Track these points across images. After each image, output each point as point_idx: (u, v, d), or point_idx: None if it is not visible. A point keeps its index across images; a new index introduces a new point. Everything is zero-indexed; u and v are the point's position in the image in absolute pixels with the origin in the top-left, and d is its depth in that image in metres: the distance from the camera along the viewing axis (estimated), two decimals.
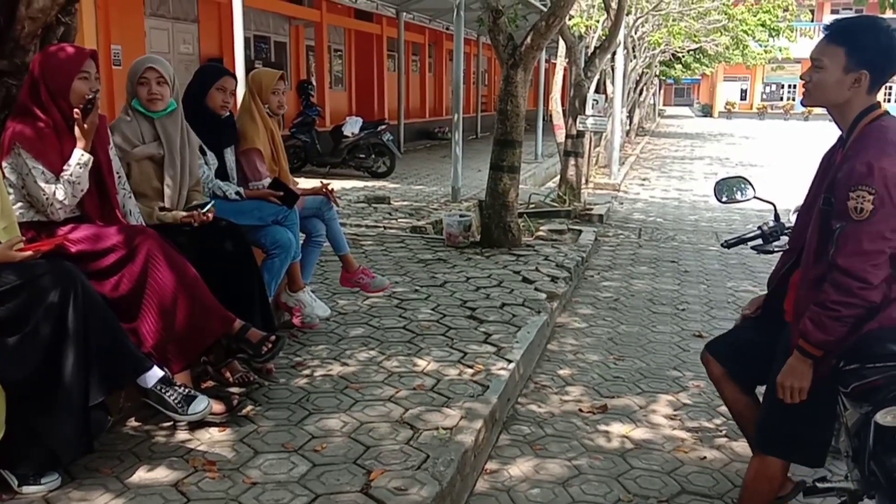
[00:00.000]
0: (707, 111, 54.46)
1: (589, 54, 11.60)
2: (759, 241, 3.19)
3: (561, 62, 12.67)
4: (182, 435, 3.06)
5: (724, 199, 3.33)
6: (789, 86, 51.02)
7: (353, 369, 3.88)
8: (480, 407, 3.46)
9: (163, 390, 2.92)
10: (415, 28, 20.26)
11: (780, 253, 2.80)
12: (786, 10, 19.13)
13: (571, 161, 10.54)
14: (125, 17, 10.68)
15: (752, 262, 7.40)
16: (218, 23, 12.76)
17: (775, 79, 51.18)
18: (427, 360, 4.06)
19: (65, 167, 2.95)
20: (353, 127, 12.73)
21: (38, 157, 2.93)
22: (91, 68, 3.04)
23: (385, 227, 8.01)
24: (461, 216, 7.32)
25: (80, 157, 2.97)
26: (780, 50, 22.08)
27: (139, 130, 3.50)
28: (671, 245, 8.64)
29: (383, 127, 12.90)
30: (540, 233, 8.07)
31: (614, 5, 10.38)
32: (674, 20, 17.76)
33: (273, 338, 3.30)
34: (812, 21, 42.32)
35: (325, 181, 4.79)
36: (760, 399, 2.71)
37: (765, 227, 3.17)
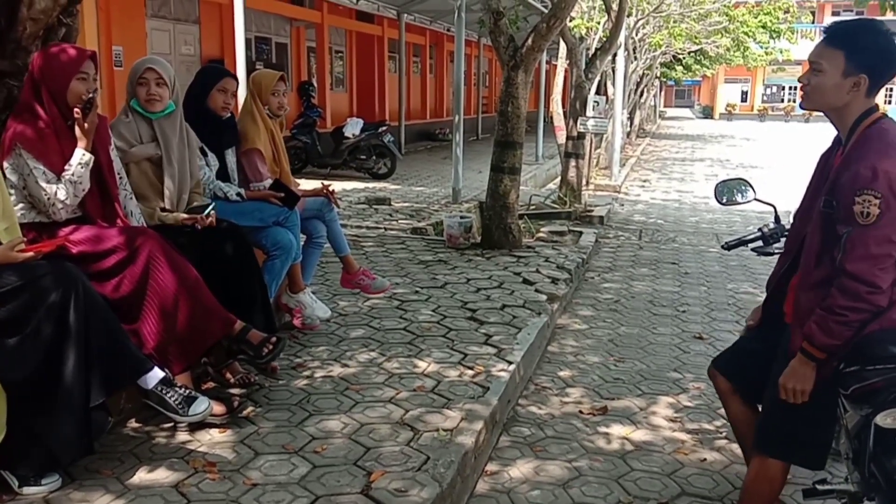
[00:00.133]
0: (708, 113, 54.47)
1: (590, 56, 11.62)
2: (760, 243, 3.19)
3: (562, 64, 12.68)
4: (182, 436, 3.06)
5: (724, 200, 3.33)
6: (790, 88, 51.02)
7: (353, 370, 3.89)
8: (481, 408, 3.46)
9: (163, 391, 2.92)
10: (416, 29, 20.28)
11: (778, 255, 2.80)
12: (786, 11, 19.15)
13: (572, 162, 10.54)
14: (126, 18, 10.69)
15: (752, 263, 7.40)
16: (219, 24, 12.77)
17: (776, 80, 51.22)
18: (427, 361, 4.06)
19: (66, 167, 2.96)
20: (353, 128, 12.73)
21: (38, 158, 2.93)
22: (90, 69, 3.04)
23: (386, 229, 8.01)
24: (462, 217, 7.32)
25: (81, 156, 2.98)
26: (781, 52, 22.11)
27: (137, 131, 3.51)
28: (672, 247, 8.64)
29: (384, 128, 12.90)
30: (540, 234, 8.07)
31: (615, 7, 10.39)
32: (675, 22, 17.78)
33: (274, 339, 3.30)
34: (813, 23, 42.33)
35: (325, 182, 4.80)
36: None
37: (765, 229, 3.17)
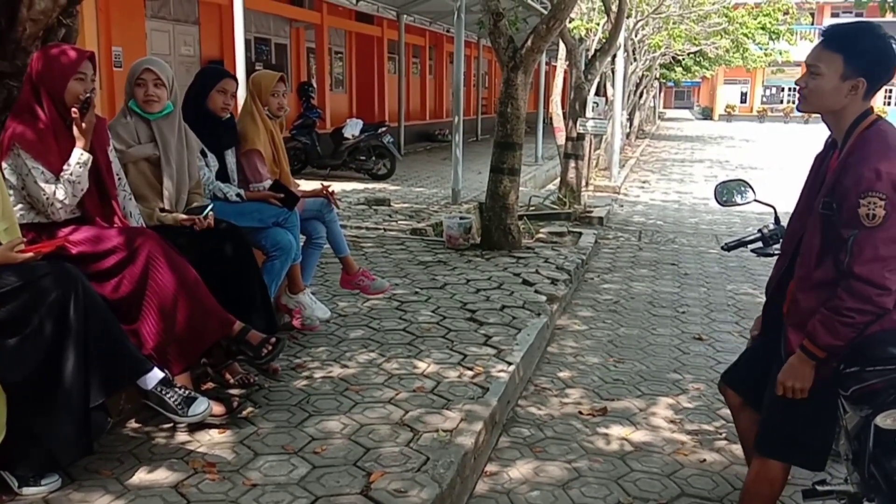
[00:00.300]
0: (707, 114, 54.50)
1: (589, 57, 11.62)
2: (760, 244, 3.18)
3: (561, 65, 12.69)
4: (182, 436, 3.06)
5: (724, 201, 3.32)
6: (789, 89, 51.02)
7: (353, 371, 3.89)
8: (480, 409, 3.46)
9: (163, 392, 2.92)
10: (415, 30, 20.29)
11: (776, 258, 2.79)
12: (786, 13, 19.16)
13: (571, 163, 10.54)
14: (126, 19, 10.69)
15: (752, 265, 7.40)
16: (219, 25, 12.78)
17: (775, 82, 51.24)
18: (427, 362, 4.06)
19: (64, 167, 2.96)
20: (353, 129, 12.74)
21: (37, 158, 2.93)
22: (88, 69, 3.04)
23: (385, 230, 8.01)
24: (461, 218, 7.33)
25: (79, 156, 2.98)
26: (781, 53, 22.12)
27: (135, 131, 3.51)
28: (671, 248, 8.64)
29: (384, 129, 12.91)
30: (540, 235, 8.08)
31: (615, 8, 10.40)
32: (674, 23, 17.79)
33: (273, 340, 3.30)
34: (812, 24, 42.31)
35: (325, 183, 4.80)
36: None
37: (765, 230, 3.17)
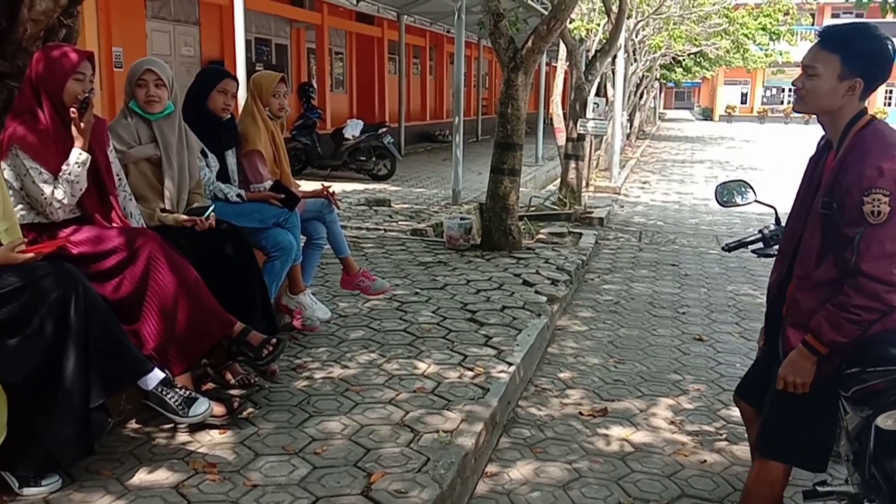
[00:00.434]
0: (707, 115, 54.51)
1: (590, 58, 11.62)
2: (760, 245, 3.18)
3: (562, 65, 12.69)
4: (182, 437, 3.06)
5: (724, 202, 3.33)
6: (790, 89, 50.08)
7: (353, 372, 3.89)
8: (481, 410, 3.46)
9: (163, 392, 2.92)
10: (416, 31, 20.29)
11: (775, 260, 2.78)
12: (786, 13, 19.16)
13: (572, 164, 10.54)
14: (127, 20, 10.69)
15: (752, 265, 7.40)
16: (219, 25, 12.78)
17: (776, 82, 51.21)
18: (427, 362, 4.06)
19: (63, 166, 2.96)
20: (353, 129, 12.74)
21: (35, 158, 2.94)
22: (87, 69, 3.05)
23: (385, 230, 8.01)
24: (462, 219, 7.33)
25: (77, 155, 2.98)
26: (781, 53, 22.12)
27: (136, 132, 3.51)
28: (671, 248, 8.64)
29: (384, 130, 12.91)
30: (540, 236, 8.08)
31: (615, 9, 10.40)
32: (674, 24, 17.79)
33: (274, 340, 3.30)
34: (812, 25, 42.29)
35: (326, 184, 4.80)
36: None
37: (765, 231, 3.17)
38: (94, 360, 2.65)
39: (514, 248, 6.99)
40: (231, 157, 4.21)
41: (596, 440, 3.59)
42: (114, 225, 3.15)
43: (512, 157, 6.93)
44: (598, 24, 13.08)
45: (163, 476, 2.77)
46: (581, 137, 10.66)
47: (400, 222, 8.55)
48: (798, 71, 2.41)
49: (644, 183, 15.94)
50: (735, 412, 3.91)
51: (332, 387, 3.68)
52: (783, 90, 52.31)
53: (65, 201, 2.97)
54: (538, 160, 16.47)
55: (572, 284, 6.19)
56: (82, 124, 2.98)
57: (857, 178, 2.21)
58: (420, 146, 19.50)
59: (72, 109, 2.97)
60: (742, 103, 54.60)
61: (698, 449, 3.55)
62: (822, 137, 2.48)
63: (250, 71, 8.61)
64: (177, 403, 2.93)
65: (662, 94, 48.95)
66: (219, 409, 3.16)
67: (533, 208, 9.90)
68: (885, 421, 2.20)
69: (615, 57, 12.77)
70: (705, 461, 3.43)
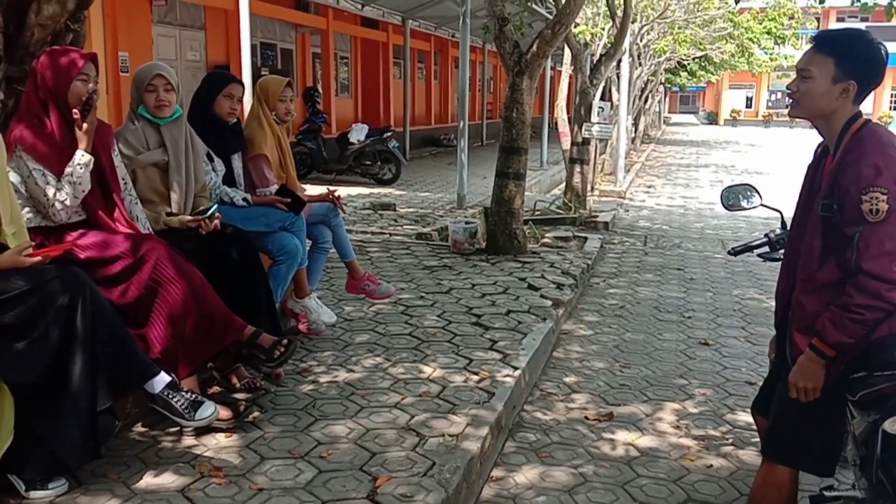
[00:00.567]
0: (712, 119, 54.46)
1: (594, 62, 11.63)
2: (766, 249, 3.18)
3: (566, 70, 12.72)
4: (189, 440, 3.07)
5: (730, 206, 3.32)
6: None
7: (358, 376, 3.89)
8: (486, 414, 3.46)
9: (170, 396, 2.92)
10: (420, 35, 20.33)
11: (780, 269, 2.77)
12: (791, 17, 19.16)
13: (577, 168, 10.54)
14: (133, 25, 10.74)
15: (758, 269, 7.39)
16: (225, 30, 12.82)
17: (781, 86, 51.07)
18: (433, 366, 4.06)
19: (66, 168, 2.98)
20: (358, 134, 12.75)
21: (38, 159, 2.96)
22: (90, 70, 3.07)
23: (391, 234, 8.01)
24: (467, 223, 7.33)
25: (80, 157, 3.00)
26: (786, 57, 22.14)
27: (144, 137, 3.53)
28: (677, 252, 8.63)
29: (389, 134, 12.92)
30: (545, 240, 8.07)
31: (620, 13, 10.41)
32: (679, 28, 17.80)
33: (285, 342, 3.31)
34: (817, 28, 42.24)
35: (331, 188, 4.81)
36: None
37: (771, 235, 3.16)
38: (101, 364, 2.66)
39: (519, 252, 6.99)
40: (237, 161, 4.22)
41: (602, 445, 3.58)
42: (118, 226, 3.16)
43: (517, 162, 6.93)
44: (603, 29, 13.09)
45: (169, 480, 2.78)
46: (586, 141, 10.66)
47: (405, 226, 8.56)
48: None
49: (649, 187, 15.93)
50: (741, 417, 3.92)
51: (337, 391, 3.68)
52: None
53: (67, 202, 2.98)
54: (543, 164, 16.47)
55: (577, 288, 6.18)
56: (86, 125, 3.00)
57: (856, 177, 2.22)
58: (425, 150, 19.52)
59: (74, 111, 2.98)
60: (747, 107, 54.54)
61: (704, 453, 3.54)
62: (820, 144, 2.51)
63: (256, 75, 8.64)
64: (183, 407, 2.93)
65: (667, 99, 48.95)
66: (225, 412, 3.16)
67: (538, 212, 9.90)
68: (893, 425, 2.19)
69: (620, 61, 12.76)
70: (711, 465, 3.42)
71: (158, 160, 3.54)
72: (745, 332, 5.47)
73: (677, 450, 3.56)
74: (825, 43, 2.34)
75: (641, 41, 16.83)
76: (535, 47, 6.73)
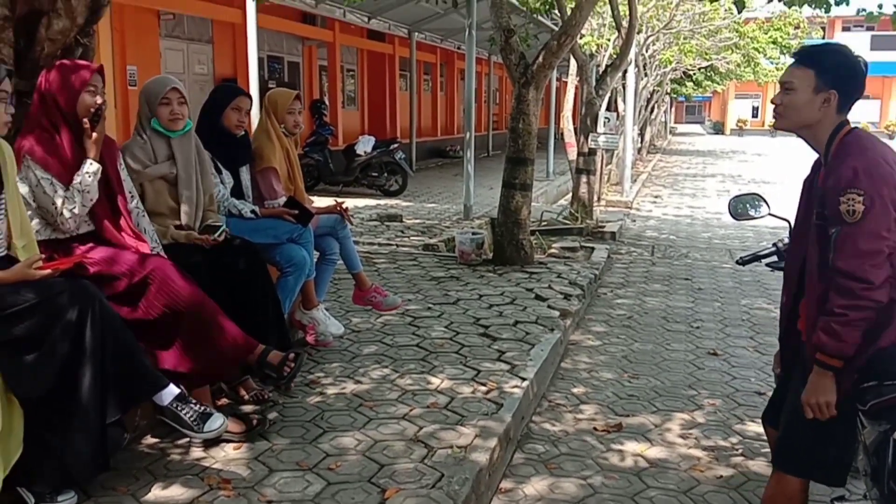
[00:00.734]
0: (719, 128, 54.42)
1: (600, 72, 11.64)
2: (774, 259, 3.18)
3: (572, 80, 12.73)
4: (197, 453, 3.07)
5: (738, 215, 3.32)
6: None
7: (366, 387, 3.89)
8: (495, 425, 3.45)
9: (178, 408, 2.92)
10: (426, 48, 20.40)
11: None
12: (797, 27, 19.19)
13: (583, 179, 10.55)
14: (141, 38, 10.82)
15: (766, 279, 7.37)
16: (232, 43, 12.90)
17: None
18: (441, 377, 4.06)
19: (75, 176, 3.00)
20: (365, 146, 12.79)
21: (47, 169, 2.98)
22: (98, 82, 3.10)
23: (398, 245, 8.02)
24: (473, 234, 7.34)
25: (89, 165, 3.02)
26: None
27: (152, 151, 3.55)
28: (684, 262, 8.62)
29: (395, 146, 12.95)
30: (552, 250, 8.07)
31: (625, 24, 10.43)
32: (685, 38, 17.83)
33: (292, 355, 3.30)
34: (823, 38, 42.26)
35: (339, 200, 4.82)
36: None
37: (779, 244, 3.16)
38: (111, 376, 2.66)
39: (526, 262, 6.98)
40: (245, 174, 4.24)
41: (610, 456, 3.57)
42: (125, 237, 3.16)
43: (523, 172, 6.94)
44: (609, 40, 13.12)
45: (178, 492, 2.78)
46: (592, 152, 10.67)
47: (412, 237, 8.57)
48: None
49: (656, 197, 15.92)
50: (750, 427, 3.90)
51: (345, 402, 3.68)
52: None
53: (76, 211, 3.00)
54: (549, 175, 16.48)
55: (585, 299, 6.17)
56: (95, 135, 3.03)
57: (836, 180, 2.29)
58: (431, 162, 19.56)
59: (84, 121, 3.01)
60: (753, 117, 54.49)
61: (714, 464, 3.52)
62: (817, 159, 2.52)
63: (263, 88, 8.70)
64: (192, 419, 2.93)
65: (673, 109, 48.95)
66: (236, 426, 3.16)
67: (545, 223, 9.90)
68: None
69: (626, 72, 12.80)
70: (721, 476, 3.40)
71: (166, 173, 3.56)
72: (754, 342, 5.45)
73: (687, 461, 3.55)
74: (805, 56, 2.43)
75: (647, 52, 16.86)
76: (541, 58, 6.75)
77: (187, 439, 3.08)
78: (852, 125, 2.41)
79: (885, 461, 2.23)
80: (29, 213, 2.95)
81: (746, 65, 23.03)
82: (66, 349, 2.58)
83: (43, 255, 2.78)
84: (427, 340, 4.70)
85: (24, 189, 2.96)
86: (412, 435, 3.33)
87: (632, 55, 11.60)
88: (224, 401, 3.58)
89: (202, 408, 2.97)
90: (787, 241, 3.15)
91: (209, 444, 3.09)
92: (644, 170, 21.06)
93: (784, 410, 2.54)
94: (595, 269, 7.11)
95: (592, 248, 8.33)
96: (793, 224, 2.60)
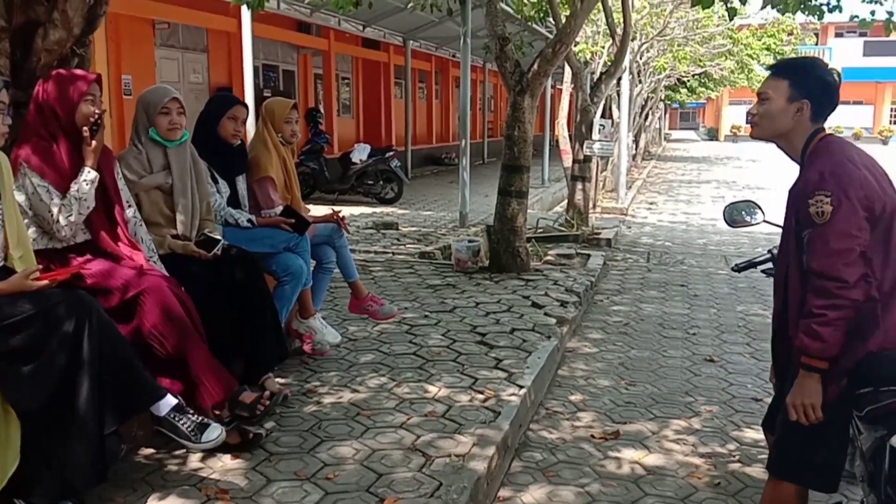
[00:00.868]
0: (713, 135, 54.57)
1: (595, 80, 11.68)
2: (770, 265, 3.19)
3: (567, 88, 12.77)
4: (195, 463, 3.06)
5: (733, 223, 3.34)
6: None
7: (364, 396, 3.88)
8: (492, 433, 3.45)
9: (176, 418, 2.92)
10: (421, 56, 20.44)
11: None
12: (790, 34, 19.28)
13: (579, 185, 10.57)
14: (136, 48, 10.82)
15: (762, 285, 7.38)
16: (227, 52, 12.91)
17: None
18: (438, 386, 4.06)
19: (72, 184, 3.00)
20: (361, 154, 12.80)
21: (44, 176, 2.99)
22: (96, 91, 3.12)
23: (394, 253, 8.03)
24: (470, 241, 7.34)
25: (87, 173, 3.03)
26: None
27: (147, 160, 3.55)
28: (680, 269, 8.63)
29: (391, 153, 12.97)
30: (548, 257, 8.08)
31: (620, 31, 10.47)
32: (679, 45, 17.92)
33: (267, 394, 3.30)
34: (816, 45, 42.48)
35: (336, 208, 4.83)
36: None
37: (774, 251, 3.17)
38: (108, 387, 2.66)
39: (522, 269, 6.99)
40: (241, 183, 4.24)
41: (608, 463, 3.57)
42: (121, 246, 3.16)
43: (519, 180, 6.96)
44: (603, 47, 13.17)
45: (175, 503, 2.77)
46: (587, 159, 10.69)
47: (408, 245, 8.57)
48: None
49: (651, 203, 15.95)
50: (747, 433, 3.91)
51: (342, 411, 3.68)
52: None
53: (72, 219, 3.00)
54: (544, 182, 16.51)
55: (581, 306, 6.18)
56: (94, 143, 3.04)
57: (804, 183, 2.39)
58: (427, 169, 19.58)
59: (84, 129, 3.02)
60: (747, 123, 54.39)
61: (712, 471, 3.53)
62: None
63: (258, 97, 8.71)
64: (189, 429, 2.92)
65: (667, 115, 49.10)
66: (233, 437, 3.15)
67: (540, 230, 9.91)
68: None
69: (620, 79, 12.83)
70: (719, 483, 3.41)
71: (162, 183, 3.56)
72: (751, 349, 5.46)
73: (684, 468, 3.55)
74: (780, 68, 2.56)
75: (641, 59, 16.92)
76: (536, 66, 6.77)
77: (184, 450, 3.07)
78: (829, 132, 2.49)
79: (882, 467, 2.24)
80: (25, 221, 2.95)
81: (740, 71, 23.15)
82: (63, 360, 2.57)
83: (40, 266, 2.78)
84: (424, 349, 4.70)
85: (20, 197, 2.96)
86: (410, 444, 3.33)
87: (626, 62, 11.65)
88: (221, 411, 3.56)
89: (199, 418, 2.97)
90: None
91: (207, 454, 3.08)
92: (639, 176, 21.10)
93: (778, 418, 2.55)
94: (591, 276, 7.12)
95: (588, 255, 8.34)
96: (781, 234, 2.62)
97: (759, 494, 2.79)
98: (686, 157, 34.41)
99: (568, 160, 11.13)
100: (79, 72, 3.19)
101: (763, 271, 3.23)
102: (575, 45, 11.84)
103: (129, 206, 3.34)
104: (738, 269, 3.31)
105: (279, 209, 4.26)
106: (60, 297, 2.65)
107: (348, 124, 18.35)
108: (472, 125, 19.27)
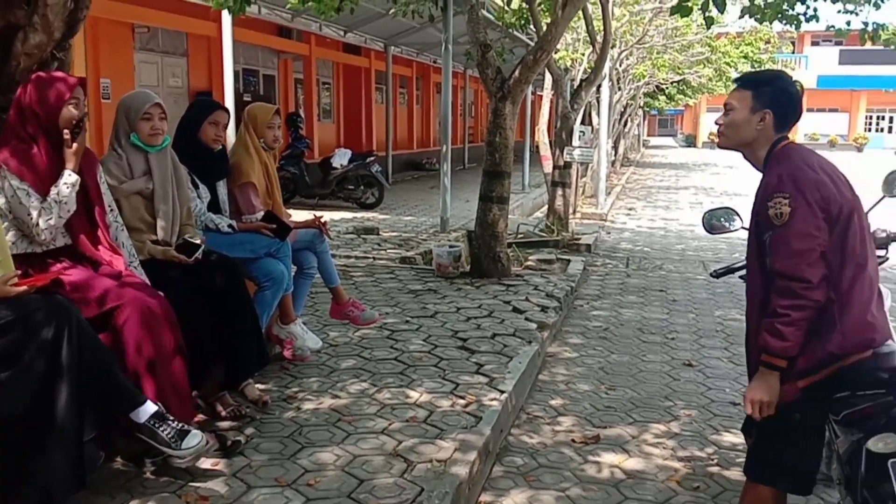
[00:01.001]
0: (691, 141, 55.00)
1: (575, 87, 11.73)
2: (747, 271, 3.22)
3: (547, 94, 12.82)
4: (174, 470, 3.03)
5: (712, 229, 3.38)
6: None
7: (345, 401, 3.88)
8: (474, 438, 3.46)
9: (156, 425, 2.89)
10: (402, 61, 20.45)
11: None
12: (767, 42, 19.51)
13: (559, 191, 10.62)
14: (115, 51, 10.75)
15: (739, 290, 7.41)
16: (207, 57, 12.85)
17: None
18: (419, 391, 4.06)
19: (52, 188, 2.98)
20: (341, 159, 12.78)
21: (23, 178, 2.96)
22: (80, 94, 3.10)
23: (374, 258, 8.02)
24: (451, 247, 7.36)
25: (68, 176, 3.01)
26: None
27: (128, 166, 3.53)
28: (659, 274, 8.69)
29: (372, 158, 12.96)
30: (529, 263, 8.11)
31: (600, 39, 10.54)
32: (658, 53, 18.06)
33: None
34: (793, 53, 43.04)
35: (317, 214, 4.82)
36: None
37: None
38: (88, 393, 2.64)
39: (503, 275, 7.01)
40: (222, 188, 4.22)
41: (588, 467, 3.59)
42: (101, 250, 3.14)
43: (500, 185, 6.99)
44: (583, 54, 13.24)
45: None
46: (567, 165, 10.75)
47: (389, 250, 8.57)
48: None
49: (630, 209, 16.05)
50: (726, 437, 3.95)
51: (323, 417, 3.67)
52: None
53: (52, 222, 2.97)
54: (525, 188, 16.56)
55: (562, 311, 6.21)
56: (75, 146, 3.02)
57: (764, 187, 2.46)
58: (407, 174, 19.58)
59: (65, 131, 3.00)
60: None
61: (691, 475, 3.56)
62: None
63: (238, 101, 8.68)
64: (169, 436, 2.90)
65: (646, 122, 49.44)
66: (212, 443, 3.13)
67: (521, 235, 9.94)
68: (876, 444, 2.23)
69: (600, 86, 12.91)
70: (698, 487, 3.44)
71: (142, 188, 3.54)
72: (728, 353, 5.52)
73: (664, 471, 3.58)
74: (744, 80, 2.66)
75: (621, 66, 17.03)
76: (517, 73, 6.81)
77: (164, 457, 3.04)
78: (791, 141, 2.56)
79: (858, 470, 2.28)
80: (5, 224, 2.92)
81: (718, 79, 23.35)
82: (42, 366, 2.55)
83: (18, 272, 2.75)
84: (405, 354, 4.70)
85: (0, 202, 2.93)
86: (391, 449, 3.33)
87: (606, 70, 11.72)
88: (200, 417, 3.55)
89: (179, 425, 2.94)
90: None
91: (186, 461, 3.06)
92: (618, 182, 21.23)
93: (756, 423, 2.58)
94: (571, 282, 7.15)
95: (568, 261, 8.38)
96: (748, 239, 2.67)
97: (738, 497, 2.82)
98: (664, 163, 34.66)
99: (548, 166, 11.17)
100: (61, 75, 3.18)
101: (741, 277, 3.25)
102: (556, 53, 11.90)
103: (111, 209, 3.32)
104: (717, 274, 3.36)
105: (260, 215, 4.25)
106: (39, 302, 2.62)
107: (329, 129, 18.31)
108: (453, 131, 19.30)
